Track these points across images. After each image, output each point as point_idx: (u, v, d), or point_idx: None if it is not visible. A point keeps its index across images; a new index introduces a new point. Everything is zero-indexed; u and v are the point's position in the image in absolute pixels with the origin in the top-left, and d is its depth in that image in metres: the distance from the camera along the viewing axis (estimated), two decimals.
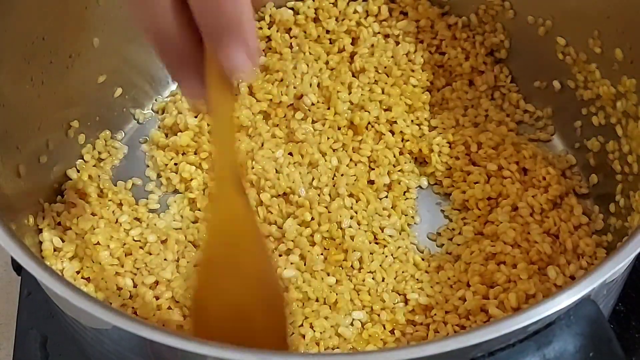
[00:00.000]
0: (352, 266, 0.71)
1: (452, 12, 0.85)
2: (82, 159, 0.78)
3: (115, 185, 0.77)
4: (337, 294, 0.69)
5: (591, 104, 0.76)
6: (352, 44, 0.83)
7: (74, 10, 0.75)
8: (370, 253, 0.72)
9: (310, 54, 0.83)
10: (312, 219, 0.72)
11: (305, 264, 0.70)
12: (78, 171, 0.77)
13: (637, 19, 0.69)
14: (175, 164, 0.78)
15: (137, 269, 0.71)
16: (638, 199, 0.68)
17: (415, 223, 0.76)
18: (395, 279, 0.71)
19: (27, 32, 0.70)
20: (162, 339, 0.48)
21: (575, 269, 0.68)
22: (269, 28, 0.85)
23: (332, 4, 0.85)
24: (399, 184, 0.76)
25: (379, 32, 0.84)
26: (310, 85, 0.81)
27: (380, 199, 0.76)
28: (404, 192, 0.76)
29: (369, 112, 0.78)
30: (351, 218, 0.72)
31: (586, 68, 0.76)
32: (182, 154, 0.78)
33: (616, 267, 0.51)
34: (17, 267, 0.72)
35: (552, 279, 0.68)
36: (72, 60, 0.75)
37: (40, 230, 0.71)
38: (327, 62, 0.83)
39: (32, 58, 0.70)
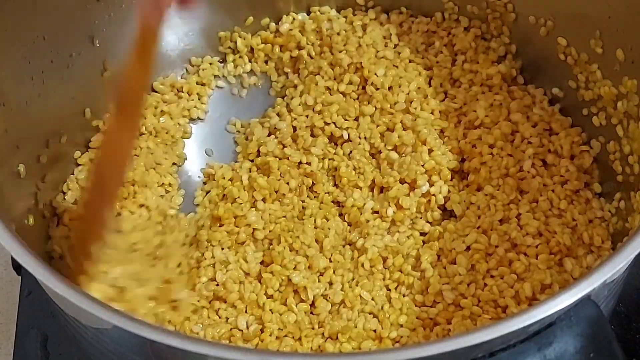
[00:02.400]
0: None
1: (458, 15, 0.86)
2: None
3: None
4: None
5: (592, 104, 0.76)
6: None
7: (74, 10, 0.75)
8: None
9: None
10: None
11: None
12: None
13: (638, 19, 0.68)
14: None
15: None
16: (638, 200, 0.68)
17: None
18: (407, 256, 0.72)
19: (27, 32, 0.70)
20: (162, 339, 0.48)
21: (593, 260, 0.69)
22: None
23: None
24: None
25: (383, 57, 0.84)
26: None
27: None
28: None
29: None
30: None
31: (587, 68, 0.76)
32: None
33: (616, 267, 0.51)
34: (17, 267, 0.72)
35: (568, 270, 0.68)
36: (72, 59, 0.75)
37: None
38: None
39: (33, 58, 0.71)
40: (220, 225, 0.75)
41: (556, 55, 0.79)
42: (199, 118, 0.85)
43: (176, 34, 0.85)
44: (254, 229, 0.74)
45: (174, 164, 0.80)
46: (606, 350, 0.51)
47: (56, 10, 0.73)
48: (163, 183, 0.78)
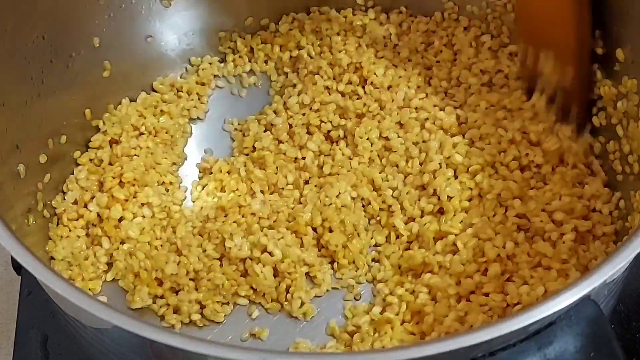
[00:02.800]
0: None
1: (458, 14, 0.86)
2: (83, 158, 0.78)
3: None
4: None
5: (592, 104, 0.76)
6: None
7: (74, 10, 0.75)
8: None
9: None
10: None
11: None
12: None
13: (638, 19, 0.68)
14: None
15: None
16: (638, 199, 0.68)
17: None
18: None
19: (27, 32, 0.70)
20: (162, 339, 0.48)
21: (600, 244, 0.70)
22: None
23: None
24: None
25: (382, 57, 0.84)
26: None
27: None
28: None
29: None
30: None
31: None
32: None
33: (616, 267, 0.51)
34: (17, 267, 0.72)
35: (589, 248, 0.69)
36: (72, 59, 0.75)
37: None
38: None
39: (33, 58, 0.71)
40: (226, 216, 0.75)
41: None
42: (198, 118, 0.85)
43: (176, 33, 0.85)
44: (259, 218, 0.74)
45: (174, 163, 0.80)
46: (606, 350, 0.51)
47: (56, 10, 0.73)
48: (164, 182, 0.78)
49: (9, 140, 0.68)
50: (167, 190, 0.78)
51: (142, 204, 0.75)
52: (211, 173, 0.79)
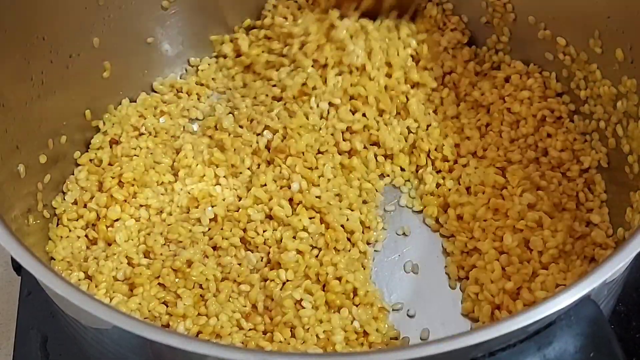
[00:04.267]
0: None
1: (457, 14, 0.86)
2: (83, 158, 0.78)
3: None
4: None
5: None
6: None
7: (74, 10, 0.75)
8: None
9: None
10: None
11: None
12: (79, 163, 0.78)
13: (637, 19, 0.69)
14: None
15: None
16: (638, 200, 0.68)
17: None
18: None
19: (27, 33, 0.70)
20: (162, 339, 0.48)
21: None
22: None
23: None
24: None
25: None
26: None
27: None
28: None
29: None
30: None
31: (587, 68, 0.76)
32: None
33: (616, 267, 0.51)
34: (17, 267, 0.72)
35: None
36: (72, 60, 0.75)
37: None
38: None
39: (32, 58, 0.71)
40: (197, 207, 0.75)
41: (556, 55, 0.79)
42: (198, 118, 0.85)
43: (175, 34, 0.85)
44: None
45: (174, 162, 0.80)
46: (606, 350, 0.51)
47: (56, 11, 0.73)
48: (163, 182, 0.78)
49: (9, 140, 0.68)
50: (166, 190, 0.78)
51: (140, 206, 0.75)
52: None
